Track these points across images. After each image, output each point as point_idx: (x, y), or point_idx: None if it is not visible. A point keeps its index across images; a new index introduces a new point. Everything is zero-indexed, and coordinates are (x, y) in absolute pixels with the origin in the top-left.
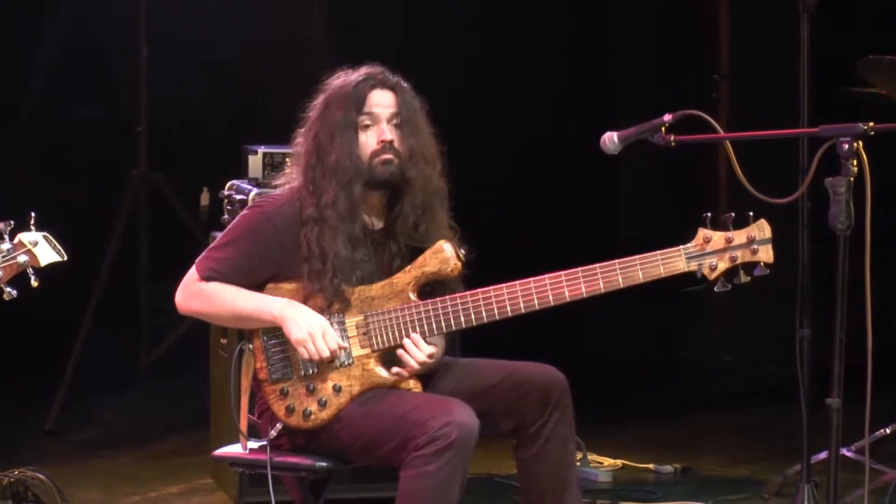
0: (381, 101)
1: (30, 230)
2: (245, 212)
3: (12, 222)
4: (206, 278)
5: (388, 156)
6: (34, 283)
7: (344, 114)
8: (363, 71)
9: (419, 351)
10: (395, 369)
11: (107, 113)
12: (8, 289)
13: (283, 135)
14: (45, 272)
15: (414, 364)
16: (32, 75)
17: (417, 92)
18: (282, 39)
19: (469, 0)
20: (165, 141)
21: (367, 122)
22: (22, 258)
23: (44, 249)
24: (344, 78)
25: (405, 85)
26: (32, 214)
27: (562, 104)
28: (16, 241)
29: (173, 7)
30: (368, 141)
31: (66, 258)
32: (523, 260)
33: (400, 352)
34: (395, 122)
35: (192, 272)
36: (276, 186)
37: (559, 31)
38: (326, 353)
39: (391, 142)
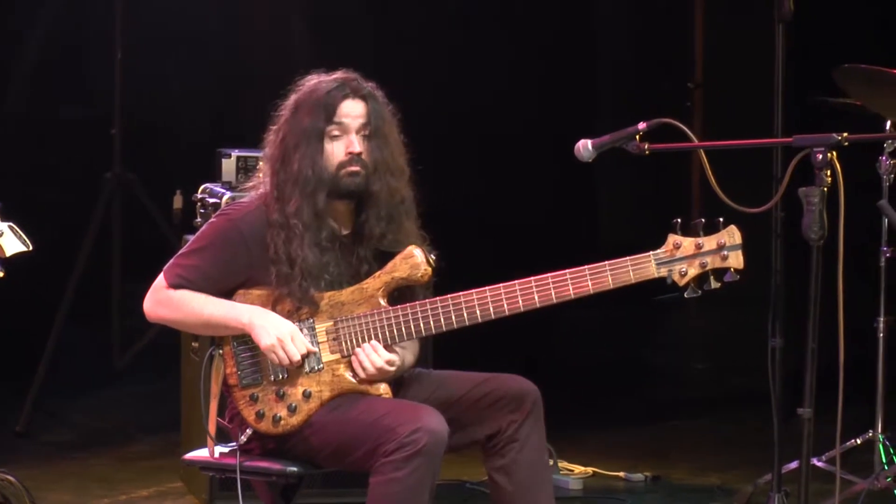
0: (352, 111)
1: None
2: (213, 219)
3: None
4: (175, 286)
5: (356, 168)
6: None
7: (312, 121)
8: (336, 77)
9: (377, 356)
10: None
11: (82, 114)
12: None
13: (257, 138)
14: (17, 272)
15: (369, 368)
16: (10, 76)
17: (392, 97)
18: (259, 42)
19: (448, 6)
20: (140, 143)
21: (336, 133)
22: None
23: (9, 240)
24: (317, 82)
25: (377, 94)
26: None
27: (540, 111)
28: None
29: (150, 9)
30: (336, 151)
31: (31, 248)
32: (501, 267)
33: (353, 357)
34: (364, 132)
35: (160, 279)
36: (245, 190)
37: (536, 38)
38: (297, 358)
39: (359, 154)
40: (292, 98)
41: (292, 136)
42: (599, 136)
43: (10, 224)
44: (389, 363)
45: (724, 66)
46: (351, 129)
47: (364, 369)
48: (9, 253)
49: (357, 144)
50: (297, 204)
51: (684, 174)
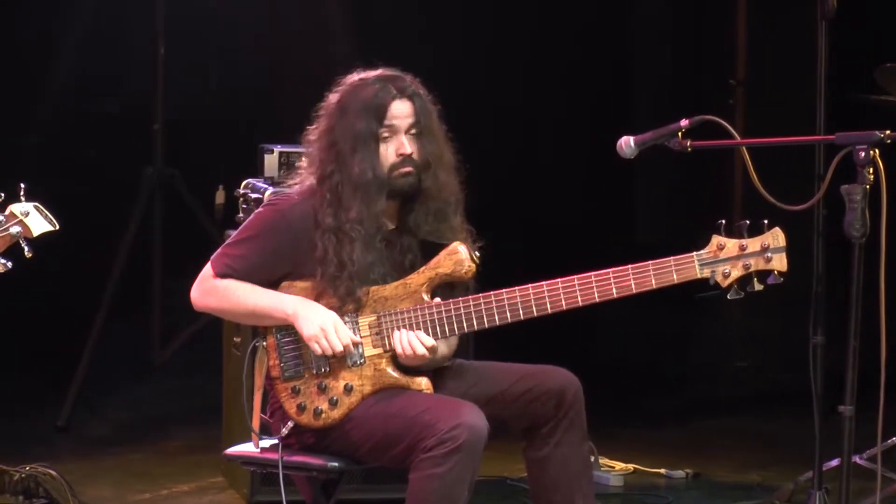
0: (401, 112)
1: (20, 201)
2: (260, 209)
3: (2, 194)
4: (222, 275)
5: (408, 168)
6: (28, 255)
7: (365, 124)
8: (379, 75)
9: (419, 343)
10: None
11: (124, 109)
12: (2, 260)
13: (299, 134)
14: (58, 266)
15: (409, 351)
16: (51, 71)
17: (430, 90)
18: (300, 38)
19: (485, 3)
20: (182, 138)
21: (387, 134)
22: (14, 229)
23: (35, 219)
24: (361, 82)
25: (420, 90)
26: (22, 185)
27: (578, 108)
28: (7, 212)
29: (191, 3)
30: (388, 153)
31: (58, 227)
32: (538, 263)
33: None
34: (412, 132)
35: (208, 269)
36: (290, 186)
37: (576, 34)
38: (339, 348)
39: (410, 154)
40: (336, 98)
41: (346, 139)
42: (641, 133)
43: (36, 204)
44: (431, 349)
45: (767, 64)
46: (400, 130)
47: (405, 355)
48: (36, 233)
49: (408, 146)
50: (357, 210)
51: (726, 172)
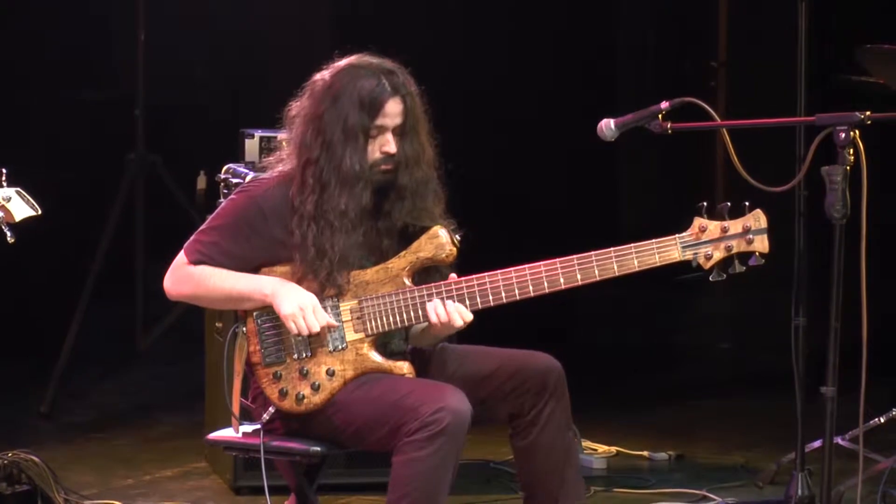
0: (393, 111)
1: (2, 186)
2: (233, 196)
3: None
4: (195, 262)
5: (388, 166)
6: (10, 240)
7: (358, 118)
8: (377, 67)
9: (458, 316)
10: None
11: (105, 95)
12: None
13: (280, 119)
14: (41, 252)
15: (444, 321)
16: (32, 57)
17: (422, 78)
18: (282, 22)
19: None
20: (163, 124)
21: (376, 132)
22: None
23: (17, 205)
24: (356, 71)
25: (413, 88)
26: (3, 171)
27: (560, 91)
28: None
29: None
30: (373, 149)
31: (40, 212)
32: (522, 248)
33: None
34: (399, 131)
35: (181, 256)
36: (267, 166)
37: (558, 17)
38: (316, 328)
39: (393, 154)
40: (328, 82)
41: (337, 128)
42: (622, 116)
43: (18, 189)
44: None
45: (748, 46)
46: (388, 129)
47: (441, 322)
48: (18, 218)
49: (392, 145)
50: (343, 201)
51: (708, 155)
